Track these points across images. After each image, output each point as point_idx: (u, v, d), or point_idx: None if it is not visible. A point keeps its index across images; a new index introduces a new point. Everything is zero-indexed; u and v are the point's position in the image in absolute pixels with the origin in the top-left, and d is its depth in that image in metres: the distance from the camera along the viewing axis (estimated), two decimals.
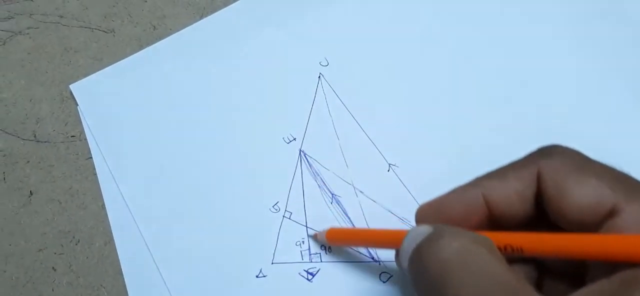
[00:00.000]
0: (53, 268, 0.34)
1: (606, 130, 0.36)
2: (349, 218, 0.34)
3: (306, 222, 0.34)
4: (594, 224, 0.22)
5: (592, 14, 0.40)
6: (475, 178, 0.25)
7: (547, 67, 0.38)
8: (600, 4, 0.40)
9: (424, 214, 0.26)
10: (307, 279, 0.33)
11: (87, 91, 0.37)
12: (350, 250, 0.33)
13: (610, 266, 0.20)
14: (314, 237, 0.33)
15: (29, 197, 0.35)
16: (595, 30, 0.39)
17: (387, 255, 0.33)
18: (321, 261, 0.33)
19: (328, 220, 0.34)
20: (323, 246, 0.34)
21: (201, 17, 0.39)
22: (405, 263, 0.23)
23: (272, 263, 0.33)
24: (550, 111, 0.37)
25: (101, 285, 0.34)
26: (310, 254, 0.33)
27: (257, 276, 0.33)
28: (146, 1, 0.40)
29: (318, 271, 0.33)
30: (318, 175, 0.35)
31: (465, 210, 0.25)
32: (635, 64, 0.38)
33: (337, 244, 0.33)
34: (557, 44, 0.39)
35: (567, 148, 0.24)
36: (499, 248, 0.22)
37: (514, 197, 0.24)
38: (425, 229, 0.23)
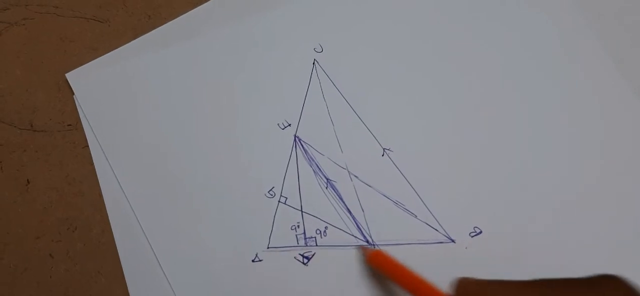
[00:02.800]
0: (50, 255, 0.34)
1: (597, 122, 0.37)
2: (344, 202, 0.34)
3: (301, 207, 0.34)
4: None
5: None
6: (523, 282, 0.23)
7: (542, 57, 0.38)
8: None
9: (462, 292, 0.26)
10: (303, 263, 0.33)
11: (83, 80, 0.37)
12: (346, 231, 0.34)
13: None
14: (360, 248, 0.33)
15: (26, 185, 0.36)
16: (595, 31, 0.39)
17: (382, 238, 0.34)
18: (316, 245, 0.34)
19: (323, 204, 0.34)
20: (318, 230, 0.34)
21: (195, 6, 0.39)
22: None
23: (268, 248, 0.34)
24: (543, 101, 0.37)
25: (98, 272, 0.34)
26: (305, 238, 0.34)
27: (253, 261, 0.33)
28: None
29: (313, 255, 0.33)
30: (313, 160, 0.35)
31: None
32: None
33: (375, 268, 0.32)
34: (553, 37, 0.39)
35: (622, 284, 0.22)
36: None
37: None
38: None
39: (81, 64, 0.38)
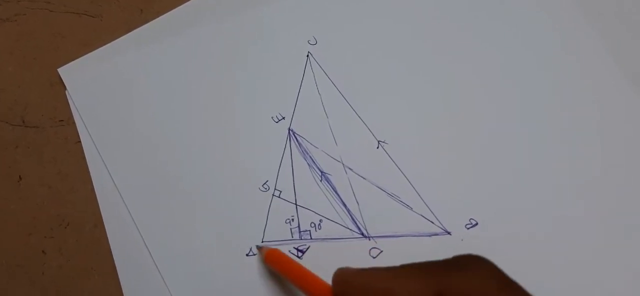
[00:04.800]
0: (43, 251, 0.34)
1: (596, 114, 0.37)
2: (338, 195, 0.34)
3: (296, 200, 0.34)
4: None
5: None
6: (390, 268, 0.24)
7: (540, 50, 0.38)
8: None
9: (338, 284, 0.26)
10: (297, 256, 0.33)
11: (75, 75, 0.37)
12: (340, 224, 0.33)
13: None
14: (258, 249, 0.33)
15: (18, 181, 0.35)
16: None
17: (377, 230, 0.33)
18: (311, 238, 0.33)
19: (318, 197, 0.34)
20: (313, 223, 0.34)
21: (188, 0, 0.39)
22: None
23: (263, 242, 0.33)
24: (541, 96, 0.37)
25: (92, 268, 0.34)
26: (300, 231, 0.33)
27: (247, 255, 0.33)
28: None
29: (308, 248, 0.33)
30: (307, 153, 0.35)
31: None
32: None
33: (272, 267, 0.32)
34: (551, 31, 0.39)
35: (485, 264, 0.23)
36: None
37: None
38: None
39: (73, 60, 0.38)
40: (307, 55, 0.37)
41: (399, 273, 0.23)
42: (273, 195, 0.34)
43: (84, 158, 0.36)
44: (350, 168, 0.35)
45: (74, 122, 0.36)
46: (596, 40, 0.38)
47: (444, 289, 0.22)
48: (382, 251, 0.33)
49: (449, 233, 0.33)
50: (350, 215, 0.34)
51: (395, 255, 0.33)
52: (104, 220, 0.34)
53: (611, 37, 0.38)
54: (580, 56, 0.38)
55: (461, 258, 0.23)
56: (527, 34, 0.38)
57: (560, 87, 0.37)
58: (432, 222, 0.33)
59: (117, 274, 0.33)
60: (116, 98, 0.36)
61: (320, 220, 0.34)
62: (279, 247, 0.33)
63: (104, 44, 0.38)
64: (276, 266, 0.32)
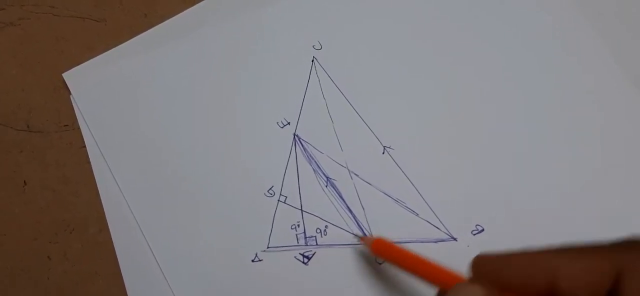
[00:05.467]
0: (48, 256, 0.34)
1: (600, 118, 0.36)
2: (344, 201, 0.34)
3: (301, 206, 0.34)
4: None
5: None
6: (547, 248, 0.22)
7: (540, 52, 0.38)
8: None
9: (481, 269, 0.23)
10: (303, 262, 0.33)
11: (79, 79, 0.37)
12: (346, 230, 0.33)
13: None
14: (361, 239, 0.33)
15: (23, 186, 0.35)
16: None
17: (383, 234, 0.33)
18: (317, 244, 0.33)
19: (323, 203, 0.34)
20: (318, 229, 0.34)
21: (192, 4, 0.39)
22: None
23: (268, 247, 0.33)
24: (543, 98, 0.37)
25: (96, 272, 0.34)
26: (305, 237, 0.33)
27: (252, 261, 0.33)
28: None
29: (314, 254, 0.33)
30: (312, 158, 0.35)
31: (527, 281, 0.21)
32: None
33: (382, 257, 0.32)
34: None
35: None
36: None
37: (584, 285, 0.20)
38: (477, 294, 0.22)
39: (77, 64, 0.37)
40: (312, 60, 0.37)
41: (561, 253, 0.21)
42: (278, 200, 0.34)
43: (88, 162, 0.36)
44: (355, 174, 0.35)
45: (78, 127, 0.36)
46: (596, 40, 0.38)
47: (626, 268, 0.19)
48: None
49: (455, 239, 0.33)
50: (356, 221, 0.34)
51: None
52: (108, 225, 0.34)
53: (611, 37, 0.38)
54: (581, 57, 0.38)
55: (633, 240, 0.20)
56: (528, 34, 0.38)
57: (561, 87, 0.37)
58: (438, 228, 0.34)
59: (122, 278, 0.33)
60: (121, 103, 0.36)
61: (326, 226, 0.34)
62: (285, 253, 0.33)
63: (108, 48, 0.38)
64: (387, 255, 0.30)
